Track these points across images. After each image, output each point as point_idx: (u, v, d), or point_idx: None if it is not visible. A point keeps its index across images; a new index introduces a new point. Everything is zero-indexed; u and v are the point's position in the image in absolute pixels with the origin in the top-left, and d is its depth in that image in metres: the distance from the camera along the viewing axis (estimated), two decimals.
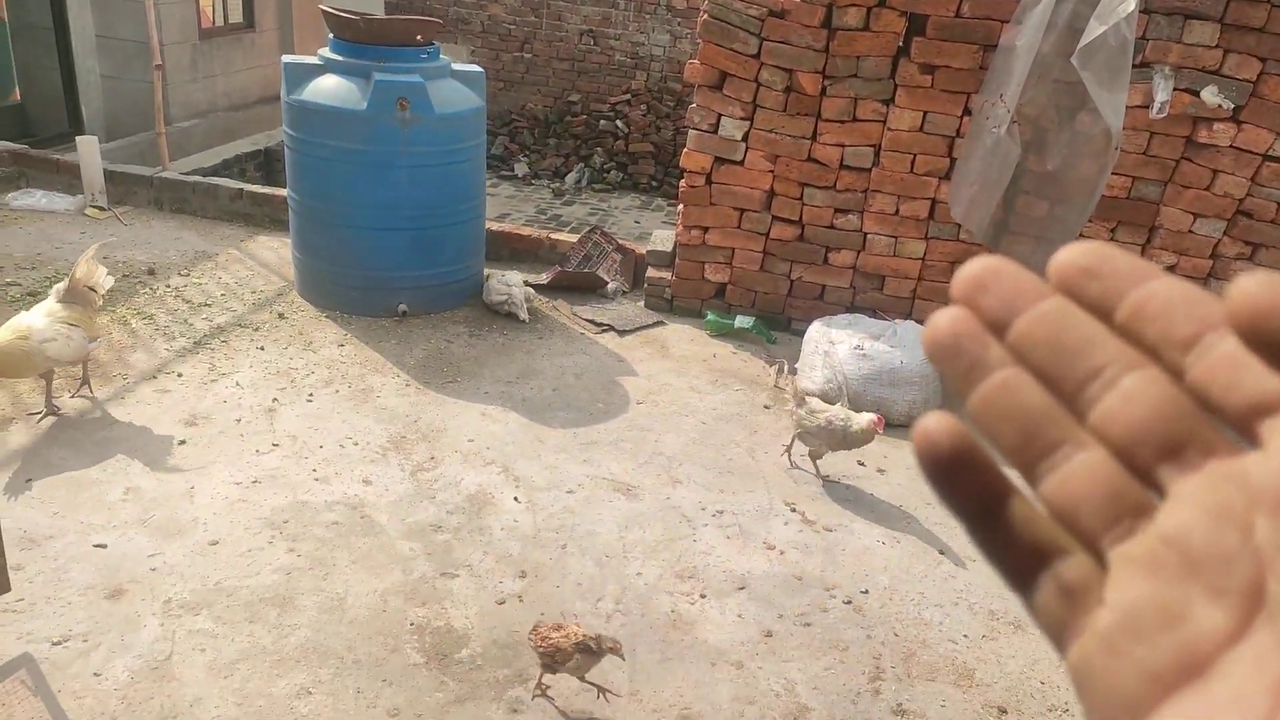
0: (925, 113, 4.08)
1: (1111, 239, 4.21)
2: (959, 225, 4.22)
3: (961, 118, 4.07)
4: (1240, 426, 0.23)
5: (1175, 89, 3.87)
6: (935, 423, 0.26)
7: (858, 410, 3.27)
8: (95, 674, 2.26)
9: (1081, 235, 4.14)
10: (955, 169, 4.11)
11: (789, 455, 3.42)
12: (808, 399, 3.32)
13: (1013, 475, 0.26)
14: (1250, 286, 0.22)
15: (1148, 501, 0.24)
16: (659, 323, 4.53)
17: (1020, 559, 0.25)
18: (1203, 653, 0.21)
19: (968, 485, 0.26)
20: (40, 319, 3.09)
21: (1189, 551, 0.22)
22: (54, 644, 2.33)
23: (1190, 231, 4.12)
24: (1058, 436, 0.25)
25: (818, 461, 3.34)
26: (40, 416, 3.22)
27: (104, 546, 2.68)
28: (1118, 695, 0.22)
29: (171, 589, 2.54)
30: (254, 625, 2.45)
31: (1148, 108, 3.91)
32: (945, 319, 0.26)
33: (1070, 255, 0.25)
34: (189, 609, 2.48)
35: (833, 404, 3.31)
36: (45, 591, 2.50)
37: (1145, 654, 0.22)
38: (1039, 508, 0.25)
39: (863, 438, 3.15)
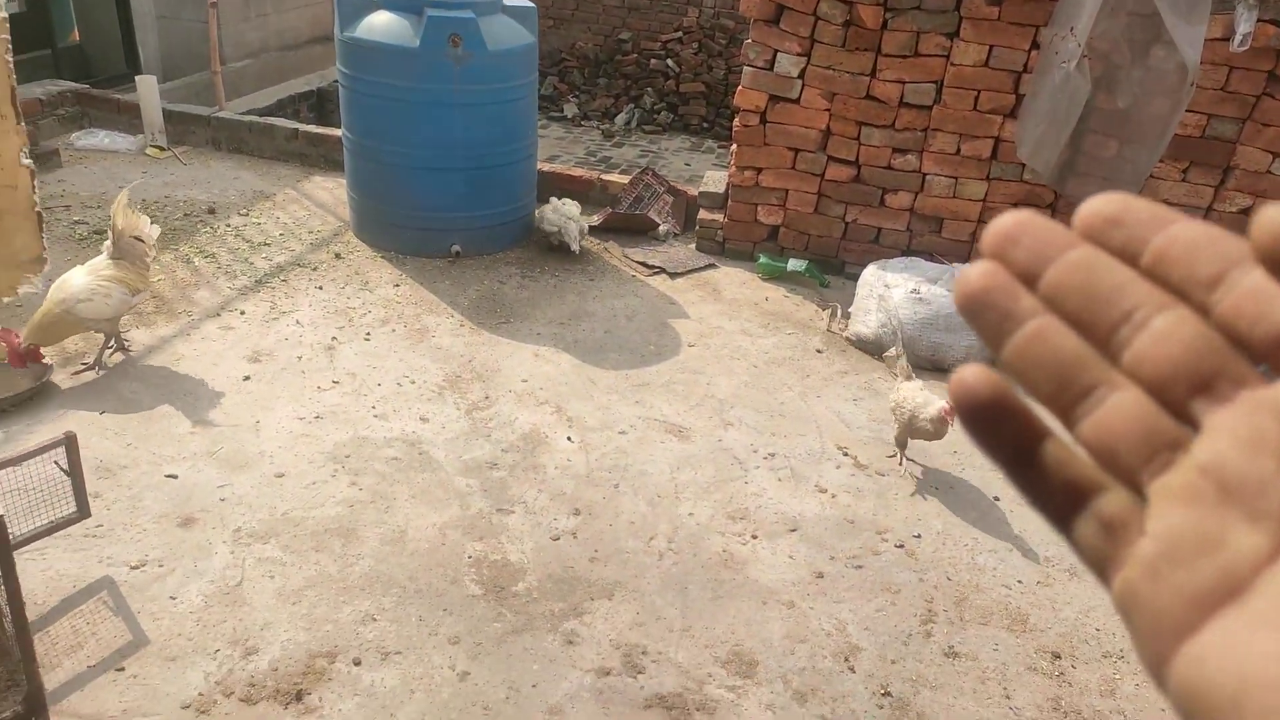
0: (991, 47, 3.93)
1: (1183, 180, 4.05)
2: (1023, 165, 4.10)
3: (1029, 52, 3.92)
4: (1268, 357, 0.24)
5: (1259, 20, 3.67)
6: (971, 373, 0.27)
7: (923, 361, 3.14)
8: (171, 597, 2.37)
9: (1152, 176, 3.99)
10: (1022, 106, 3.97)
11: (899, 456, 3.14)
12: (914, 378, 3.10)
13: (1049, 420, 0.27)
14: (1276, 215, 0.22)
15: (1183, 435, 0.24)
16: (710, 265, 4.50)
17: (1059, 499, 0.26)
18: (1241, 574, 0.22)
19: (1005, 431, 0.27)
20: (81, 278, 3.08)
21: (1225, 479, 0.23)
22: (132, 568, 2.45)
23: (1269, 172, 3.95)
24: (1092, 379, 0.25)
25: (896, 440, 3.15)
26: (111, 351, 3.32)
27: (175, 477, 2.78)
28: (1162, 619, 0.23)
29: (240, 519, 2.64)
30: (320, 554, 2.53)
31: (1228, 40, 3.72)
32: (975, 273, 0.27)
33: (1094, 206, 0.25)
34: (258, 538, 2.58)
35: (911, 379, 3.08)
36: (122, 518, 2.61)
37: (1186, 578, 0.23)
38: (1074, 449, 0.26)
39: (929, 430, 2.88)
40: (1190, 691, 0.22)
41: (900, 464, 3.11)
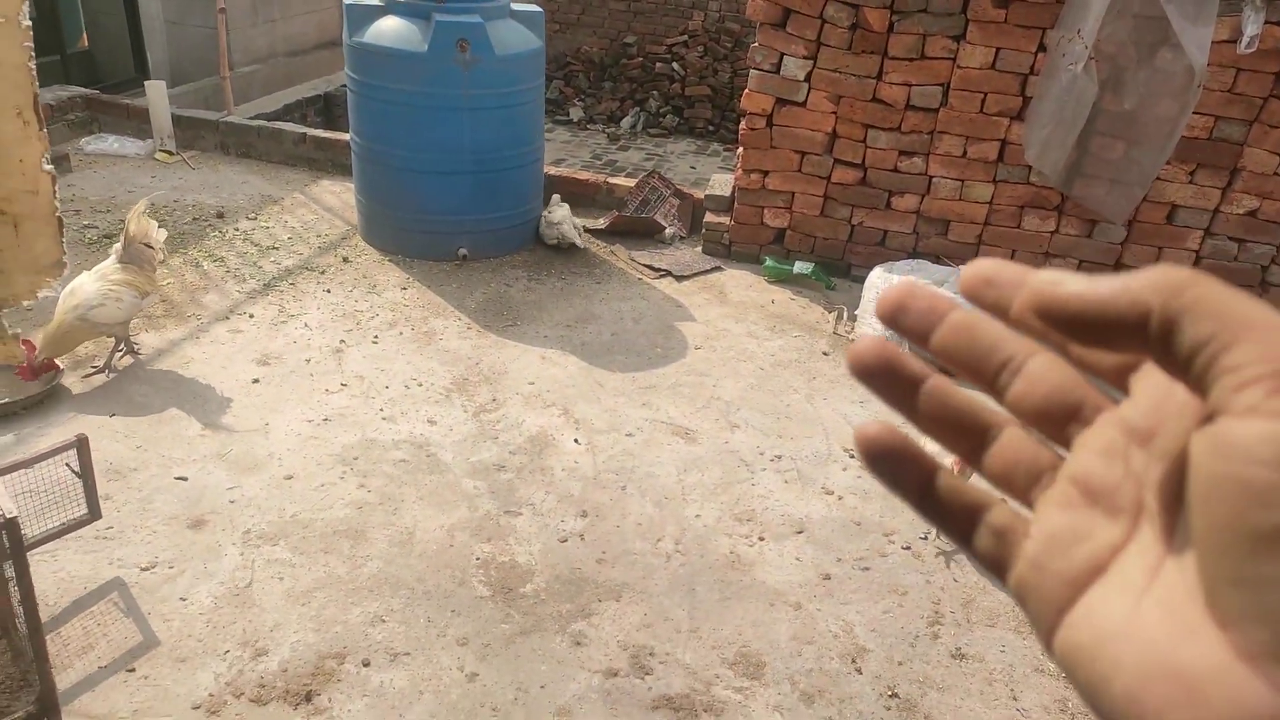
0: (998, 49, 3.94)
1: (1190, 182, 4.05)
2: (1029, 168, 4.10)
3: (1036, 54, 3.92)
4: (1115, 382, 0.30)
5: (1267, 22, 3.67)
6: (871, 426, 0.32)
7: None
8: (181, 599, 2.38)
9: (1159, 178, 3.99)
10: (1029, 109, 3.97)
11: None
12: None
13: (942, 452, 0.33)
14: (1040, 281, 0.28)
15: (1058, 460, 0.30)
16: (717, 268, 4.51)
17: (958, 518, 0.31)
18: (1103, 558, 0.27)
19: (906, 472, 0.32)
20: (92, 283, 3.12)
21: (1088, 485, 0.28)
22: (142, 569, 2.46)
23: (1276, 174, 3.94)
24: (985, 423, 0.31)
25: None
26: (121, 355, 3.34)
27: (185, 479, 2.80)
28: (1046, 601, 0.28)
29: (250, 520, 2.65)
30: (329, 556, 2.55)
31: (1235, 42, 3.72)
32: (867, 348, 0.31)
33: (973, 268, 0.30)
34: (267, 539, 2.59)
35: None
36: (132, 520, 2.62)
37: (1062, 566, 0.28)
38: (963, 477, 0.32)
39: None
40: (1066, 653, 0.27)
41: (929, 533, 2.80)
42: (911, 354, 0.31)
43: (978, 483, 0.32)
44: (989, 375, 0.30)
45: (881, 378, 0.31)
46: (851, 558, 2.71)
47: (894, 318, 0.31)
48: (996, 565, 0.30)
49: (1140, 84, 3.78)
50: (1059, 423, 0.30)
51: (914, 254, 4.35)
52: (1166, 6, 3.57)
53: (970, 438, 0.31)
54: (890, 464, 0.31)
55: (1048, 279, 0.28)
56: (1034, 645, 2.44)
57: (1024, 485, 0.30)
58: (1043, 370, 0.30)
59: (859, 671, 2.32)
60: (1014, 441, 0.31)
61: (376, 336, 3.67)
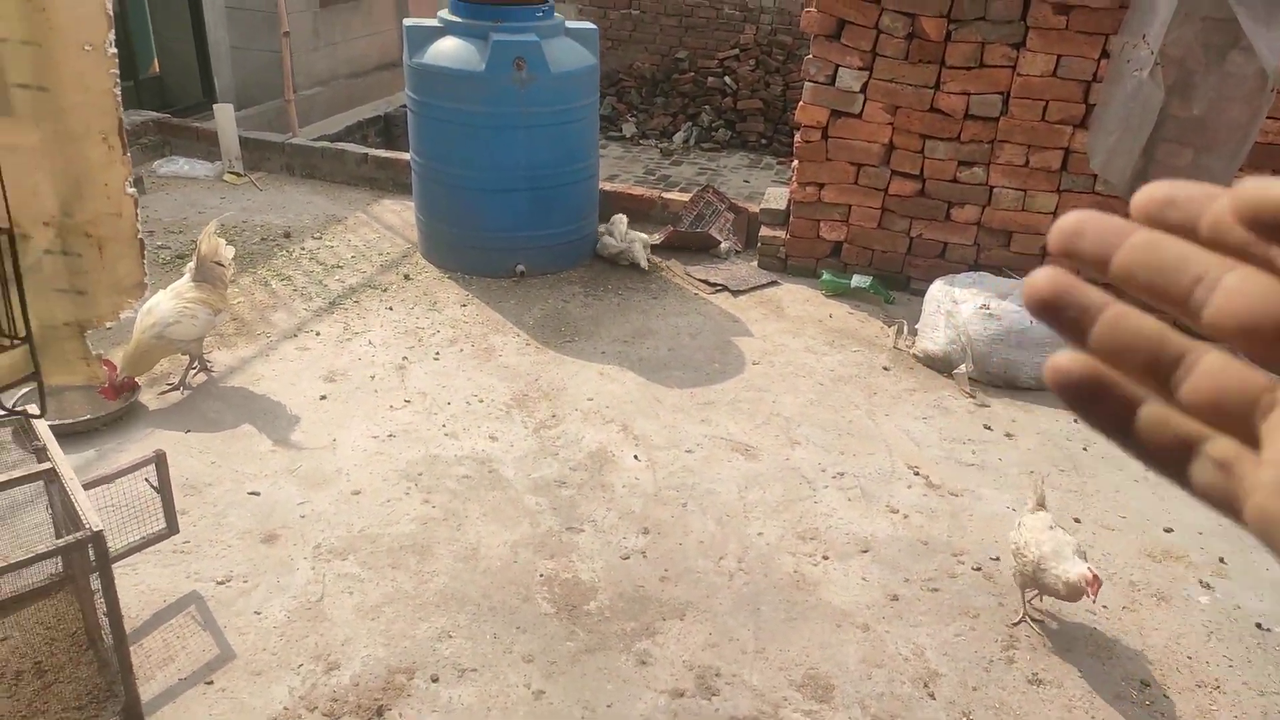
0: (1059, 56, 3.87)
1: None
2: (1094, 176, 4.01)
3: (1099, 61, 3.84)
4: None
5: None
6: (1064, 357, 0.29)
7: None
8: (256, 612, 2.43)
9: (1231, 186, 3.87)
10: (1093, 116, 3.89)
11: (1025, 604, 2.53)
12: (1045, 506, 2.52)
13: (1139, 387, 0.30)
14: (1247, 187, 0.26)
15: (1272, 382, 0.27)
16: (773, 283, 4.49)
17: (1169, 452, 0.29)
18: None
19: (1104, 405, 0.29)
20: (168, 301, 3.24)
21: None
22: (218, 583, 2.52)
23: None
24: (1178, 348, 0.28)
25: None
26: (195, 372, 3.44)
27: (257, 494, 2.86)
28: None
29: (320, 535, 2.70)
30: (396, 571, 2.58)
31: None
32: (1042, 277, 0.29)
33: (1147, 191, 0.28)
34: (337, 554, 2.63)
35: (1044, 520, 2.44)
36: (208, 535, 2.69)
37: None
38: (1168, 408, 0.29)
39: (1059, 591, 2.29)
40: None
41: (1020, 615, 2.49)
42: (1088, 283, 0.29)
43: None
44: (1181, 294, 0.28)
45: (1060, 309, 0.29)
46: (920, 578, 2.66)
47: (1070, 245, 0.29)
48: (1223, 499, 0.28)
49: (1210, 89, 3.68)
50: (1270, 340, 0.26)
51: (975, 266, 4.28)
52: (1236, 8, 3.48)
53: (1163, 367, 0.28)
54: (1087, 398, 0.29)
55: (1255, 184, 0.26)
56: (1114, 670, 2.37)
57: (1239, 412, 0.27)
58: (1244, 282, 0.27)
59: (931, 696, 2.28)
60: (1218, 366, 0.28)
61: (438, 353, 3.72)
